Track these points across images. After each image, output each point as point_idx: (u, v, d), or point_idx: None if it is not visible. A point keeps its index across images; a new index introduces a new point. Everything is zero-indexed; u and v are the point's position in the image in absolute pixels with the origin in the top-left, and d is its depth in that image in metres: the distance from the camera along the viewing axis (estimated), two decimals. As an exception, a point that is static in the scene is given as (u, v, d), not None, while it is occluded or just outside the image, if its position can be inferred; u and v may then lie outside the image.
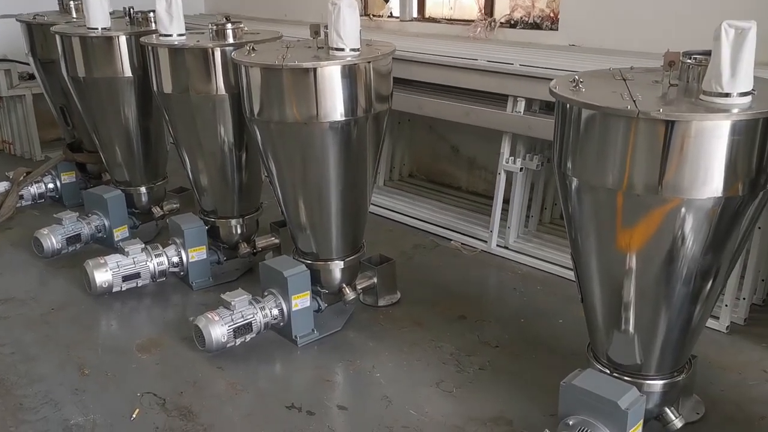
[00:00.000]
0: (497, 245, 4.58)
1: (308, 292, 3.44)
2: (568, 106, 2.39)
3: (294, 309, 3.40)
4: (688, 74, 2.42)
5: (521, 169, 4.39)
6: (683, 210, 2.24)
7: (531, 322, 3.69)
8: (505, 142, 4.41)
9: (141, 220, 4.77)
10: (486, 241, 4.62)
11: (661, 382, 2.65)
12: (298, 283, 3.39)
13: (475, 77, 4.44)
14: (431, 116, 4.95)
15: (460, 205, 5.25)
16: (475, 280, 4.21)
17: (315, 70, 3.04)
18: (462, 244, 4.69)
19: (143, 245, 3.94)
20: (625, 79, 2.56)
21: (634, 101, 2.23)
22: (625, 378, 2.65)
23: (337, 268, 3.53)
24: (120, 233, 4.55)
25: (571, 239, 2.65)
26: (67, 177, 5.32)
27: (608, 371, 2.70)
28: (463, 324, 3.67)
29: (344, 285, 3.59)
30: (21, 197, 5.16)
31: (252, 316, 3.33)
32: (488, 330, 3.59)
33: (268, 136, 3.24)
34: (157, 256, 3.94)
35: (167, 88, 3.76)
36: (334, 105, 3.11)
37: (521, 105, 4.24)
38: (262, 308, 3.37)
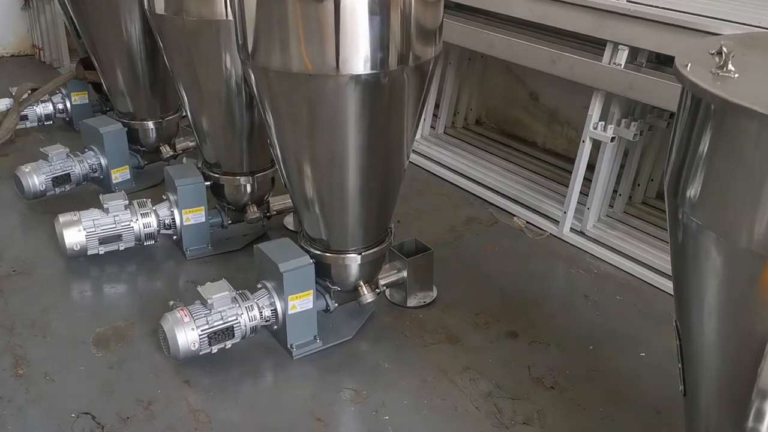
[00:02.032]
0: (570, 230, 3.65)
1: (311, 291, 2.65)
2: (703, 102, 1.43)
3: (291, 312, 2.63)
4: None
5: (613, 138, 3.39)
6: None
7: (603, 350, 2.81)
8: (595, 101, 3.40)
9: (148, 160, 4.04)
10: (557, 223, 3.68)
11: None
12: (297, 281, 2.61)
13: (566, 13, 3.41)
14: (504, 59, 3.96)
15: (531, 168, 4.29)
16: (536, 276, 3.32)
17: (334, -2, 2.14)
18: (527, 222, 3.77)
19: (127, 201, 3.20)
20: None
21: None
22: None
23: (353, 262, 2.71)
24: (119, 174, 3.85)
25: (677, 298, 1.73)
26: (79, 98, 4.61)
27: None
28: (511, 345, 2.82)
29: (361, 283, 2.78)
30: (24, 118, 4.49)
31: (235, 318, 2.57)
32: (544, 358, 2.74)
33: (266, 87, 2.38)
34: (144, 215, 3.21)
35: (159, 7, 2.92)
36: (358, 50, 2.20)
37: (622, 55, 3.22)
38: (250, 308, 2.60)
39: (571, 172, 4.12)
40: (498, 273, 3.32)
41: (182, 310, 2.54)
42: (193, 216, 3.26)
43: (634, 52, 3.24)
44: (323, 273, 2.74)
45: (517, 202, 3.94)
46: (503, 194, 4.01)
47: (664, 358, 2.76)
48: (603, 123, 3.40)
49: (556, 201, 3.87)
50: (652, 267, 3.33)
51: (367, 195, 2.56)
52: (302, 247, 2.71)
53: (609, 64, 3.26)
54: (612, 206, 3.80)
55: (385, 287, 2.92)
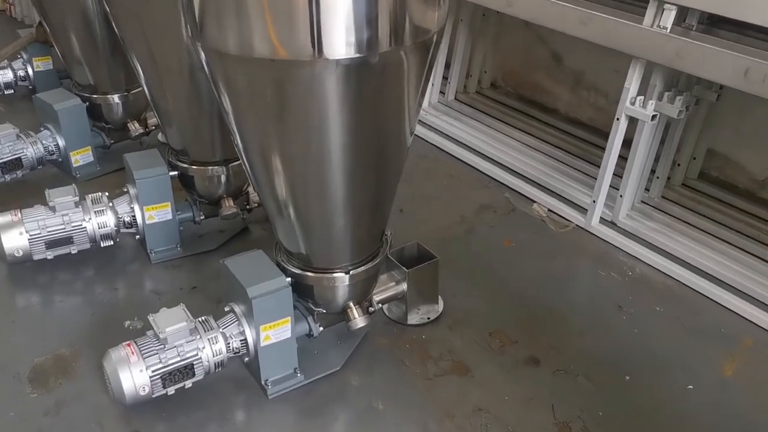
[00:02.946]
0: (600, 221, 3.14)
1: (288, 318, 2.17)
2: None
3: (264, 344, 2.16)
4: None
5: (654, 116, 2.84)
6: None
7: (642, 381, 2.34)
8: (634, 72, 2.85)
9: (114, 139, 3.54)
10: (585, 212, 3.17)
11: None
12: (271, 307, 2.13)
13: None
14: (524, 19, 3.38)
15: (552, 141, 3.76)
16: (559, 281, 2.83)
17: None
18: (549, 210, 3.26)
19: (77, 197, 2.72)
20: None
21: None
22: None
23: (340, 283, 2.22)
24: (80, 157, 3.36)
25: None
26: (42, 63, 4.09)
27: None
28: (532, 375, 2.35)
29: (351, 304, 2.30)
30: (-20, 87, 3.99)
31: (195, 354, 2.11)
32: (571, 394, 2.27)
33: (222, 75, 1.85)
34: (98, 213, 2.73)
35: (101, -37, 2.38)
36: (339, 27, 1.65)
37: (669, 16, 2.65)
38: (214, 339, 2.14)
39: (597, 146, 3.61)
40: (515, 276, 2.83)
41: (129, 345, 2.08)
42: (158, 213, 2.78)
43: (683, 12, 2.67)
44: (304, 293, 2.26)
45: (538, 185, 3.42)
46: (521, 175, 3.49)
47: (716, 392, 2.29)
48: (642, 98, 2.85)
49: (583, 184, 3.35)
50: (696, 268, 2.83)
51: (355, 202, 2.05)
52: (278, 264, 2.23)
53: (652, 27, 2.69)
54: (648, 190, 3.27)
55: (381, 304, 2.44)
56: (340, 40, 1.66)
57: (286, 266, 2.22)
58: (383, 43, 1.70)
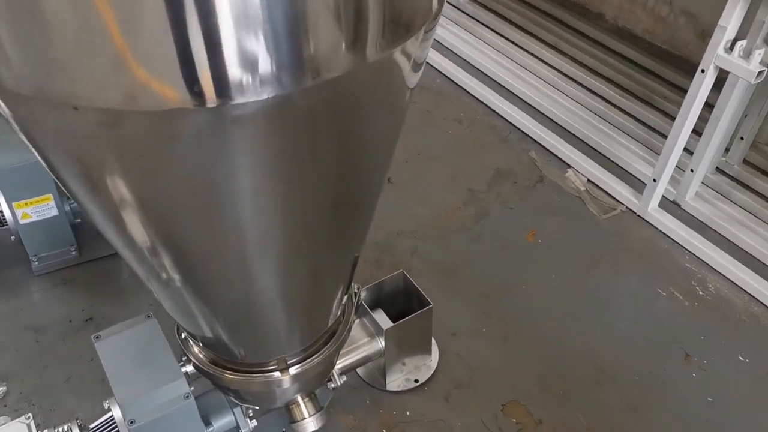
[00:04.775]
0: (660, 203, 2.29)
1: (195, 438, 1.41)
2: None
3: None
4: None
5: (761, 72, 1.91)
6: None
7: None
8: (735, 7, 1.88)
9: None
10: (639, 188, 2.32)
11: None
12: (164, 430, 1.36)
13: None
14: None
15: (593, 66, 2.82)
16: (602, 305, 2.03)
17: None
18: (589, 182, 2.40)
19: None
20: None
21: None
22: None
23: (276, 387, 1.43)
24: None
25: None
26: None
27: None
28: (563, 488, 1.62)
29: (299, 399, 1.52)
30: None
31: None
32: None
33: (31, 128, 0.94)
34: (-51, 211, 1.90)
35: None
36: (236, 52, 0.71)
37: None
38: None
39: (658, 77, 2.69)
40: (541, 297, 2.03)
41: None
42: (36, 210, 1.95)
43: None
44: (225, 390, 1.49)
45: (574, 138, 2.54)
46: (552, 122, 2.60)
47: None
48: (741, 44, 1.91)
49: (637, 143, 2.47)
50: (796, 288, 2.03)
51: (287, 295, 1.22)
52: (183, 355, 1.43)
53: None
54: (728, 150, 2.39)
55: (342, 380, 1.66)
56: (237, 74, 0.76)
57: (191, 358, 1.42)
58: (323, 67, 0.80)
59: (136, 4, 0.68)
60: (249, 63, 0.75)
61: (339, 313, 1.46)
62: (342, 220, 1.16)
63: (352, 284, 1.54)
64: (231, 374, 1.39)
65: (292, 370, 1.40)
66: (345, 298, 1.44)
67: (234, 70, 0.74)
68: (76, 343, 1.88)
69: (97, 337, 1.45)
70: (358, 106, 0.92)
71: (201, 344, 1.40)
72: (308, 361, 1.42)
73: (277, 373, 1.39)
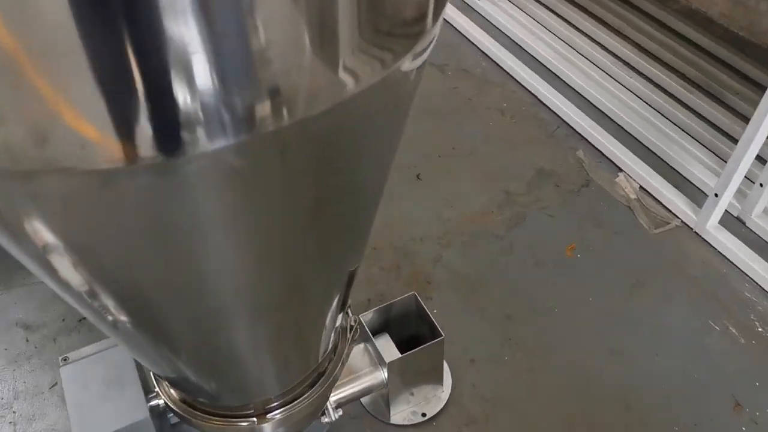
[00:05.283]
0: (721, 219, 2.02)
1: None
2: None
3: None
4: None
5: None
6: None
7: None
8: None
9: None
10: (698, 201, 2.05)
11: None
12: (124, 474, 1.22)
13: None
14: None
15: (659, 53, 2.52)
16: (647, 339, 1.80)
17: None
18: (641, 189, 2.15)
19: None
20: None
21: None
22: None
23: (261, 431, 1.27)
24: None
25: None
26: None
27: None
28: None
29: (282, 440, 1.36)
30: None
31: None
32: None
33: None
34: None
35: None
36: (194, 85, 0.52)
37: None
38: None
39: (733, 69, 2.40)
40: (576, 323, 1.81)
41: None
42: None
43: None
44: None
45: (630, 137, 2.28)
46: (607, 117, 2.34)
47: None
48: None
49: (699, 146, 2.19)
50: None
51: (267, 345, 1.05)
52: (152, 390, 1.28)
53: None
54: (802, 162, 2.10)
55: (342, 406, 1.49)
56: (190, 120, 0.57)
57: (160, 391, 1.27)
58: (294, 109, 0.61)
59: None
60: (193, 111, 0.56)
61: (330, 350, 1.28)
62: (327, 264, 0.97)
63: (349, 313, 1.36)
64: (204, 418, 1.23)
65: (274, 415, 1.23)
66: (336, 332, 1.26)
67: (175, 120, 0.56)
68: (66, 344, 1.76)
69: (65, 359, 1.32)
70: (334, 145, 0.72)
71: (171, 386, 1.25)
72: (292, 405, 1.25)
73: (252, 419, 1.23)
